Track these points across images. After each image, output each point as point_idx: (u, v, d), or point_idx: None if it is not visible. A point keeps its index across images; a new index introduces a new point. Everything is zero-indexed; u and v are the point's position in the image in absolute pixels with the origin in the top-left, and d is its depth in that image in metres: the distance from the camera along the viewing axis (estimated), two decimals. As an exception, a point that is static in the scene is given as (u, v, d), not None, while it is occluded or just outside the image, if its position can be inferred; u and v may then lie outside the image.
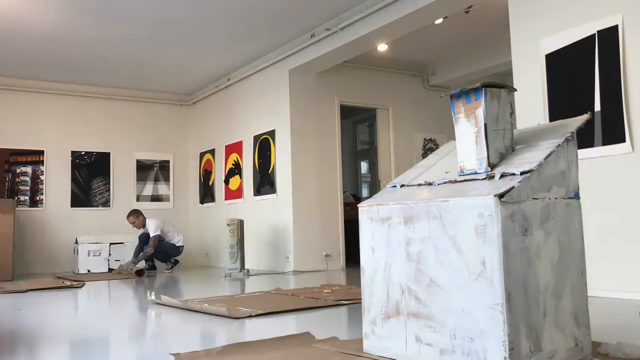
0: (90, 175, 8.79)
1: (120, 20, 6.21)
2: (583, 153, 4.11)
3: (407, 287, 2.12)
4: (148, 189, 9.22)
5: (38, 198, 8.38)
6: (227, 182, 8.56)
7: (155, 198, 9.25)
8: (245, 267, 6.82)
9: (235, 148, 8.38)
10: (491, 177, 2.05)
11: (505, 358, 1.80)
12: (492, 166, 2.11)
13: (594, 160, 4.06)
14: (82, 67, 7.86)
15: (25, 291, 5.44)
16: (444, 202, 2.02)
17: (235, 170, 8.36)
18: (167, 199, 9.37)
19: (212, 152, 9.04)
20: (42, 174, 8.43)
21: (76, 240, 7.97)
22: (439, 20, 6.16)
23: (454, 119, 2.22)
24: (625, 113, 3.86)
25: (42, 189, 8.41)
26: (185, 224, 9.44)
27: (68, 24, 6.25)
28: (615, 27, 3.95)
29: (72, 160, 8.66)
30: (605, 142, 3.97)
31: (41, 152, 8.46)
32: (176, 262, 7.90)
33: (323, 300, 4.06)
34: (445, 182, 2.19)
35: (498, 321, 1.83)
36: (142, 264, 7.45)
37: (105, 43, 6.89)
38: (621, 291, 3.84)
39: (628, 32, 3.90)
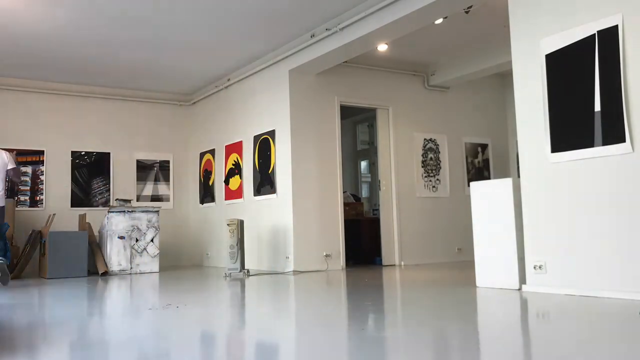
0: (90, 175, 8.79)
1: (120, 21, 6.20)
2: (583, 153, 4.12)
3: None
4: (148, 189, 9.22)
5: (38, 198, 8.38)
6: (227, 182, 8.56)
7: (155, 198, 9.25)
8: (245, 267, 6.83)
9: (235, 148, 8.38)
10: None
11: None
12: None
13: (594, 160, 4.06)
14: (82, 67, 7.86)
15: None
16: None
17: (235, 170, 8.36)
18: (167, 199, 9.36)
19: (212, 152, 9.04)
20: (42, 174, 8.43)
21: (76, 240, 7.97)
22: (439, 20, 6.17)
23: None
24: (625, 113, 3.86)
25: (42, 189, 8.41)
26: (185, 224, 9.45)
27: (68, 24, 6.25)
28: (615, 27, 3.95)
29: (72, 160, 8.66)
30: (605, 142, 3.97)
31: (41, 152, 8.46)
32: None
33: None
34: None
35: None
36: None
37: (105, 44, 6.89)
38: (621, 291, 3.84)
39: (628, 32, 3.90)
